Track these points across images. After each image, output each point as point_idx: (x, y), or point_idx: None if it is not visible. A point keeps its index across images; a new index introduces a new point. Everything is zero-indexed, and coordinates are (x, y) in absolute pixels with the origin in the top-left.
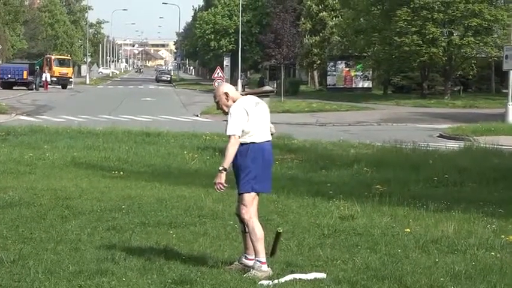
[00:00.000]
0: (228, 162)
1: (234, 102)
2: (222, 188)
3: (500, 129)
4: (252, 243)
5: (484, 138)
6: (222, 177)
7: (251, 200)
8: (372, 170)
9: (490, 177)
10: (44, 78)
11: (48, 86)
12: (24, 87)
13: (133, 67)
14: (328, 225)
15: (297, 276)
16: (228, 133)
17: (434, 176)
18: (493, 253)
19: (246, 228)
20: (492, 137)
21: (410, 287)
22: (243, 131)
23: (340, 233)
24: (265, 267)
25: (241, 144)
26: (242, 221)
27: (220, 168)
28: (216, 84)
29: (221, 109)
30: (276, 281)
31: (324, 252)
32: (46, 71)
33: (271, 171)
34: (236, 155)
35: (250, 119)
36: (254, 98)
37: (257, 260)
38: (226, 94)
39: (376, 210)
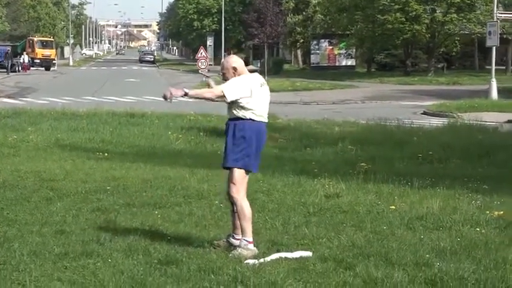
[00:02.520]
0: (195, 94)
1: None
2: (169, 96)
3: (484, 106)
4: (240, 222)
5: (467, 115)
6: (179, 93)
7: (241, 178)
8: (357, 148)
9: (474, 153)
10: (22, 60)
11: (29, 68)
12: (5, 70)
13: (116, 48)
14: (313, 204)
15: (283, 254)
16: (221, 86)
17: (418, 153)
18: (478, 229)
19: (235, 207)
20: (476, 113)
21: (396, 263)
22: (243, 108)
23: (325, 211)
24: (251, 246)
25: (240, 119)
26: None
27: (186, 90)
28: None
29: (225, 81)
30: (261, 260)
31: (310, 230)
32: (24, 53)
33: (260, 152)
34: (233, 130)
35: (254, 96)
36: (260, 77)
37: (244, 239)
38: (234, 68)
39: (361, 187)
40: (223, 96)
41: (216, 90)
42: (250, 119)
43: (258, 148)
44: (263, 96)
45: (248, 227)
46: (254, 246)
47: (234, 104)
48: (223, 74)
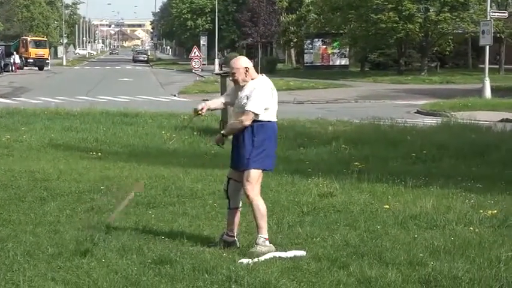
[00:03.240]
0: (231, 132)
1: (252, 79)
2: (219, 142)
3: (477, 105)
4: (256, 220)
5: (461, 114)
6: (220, 136)
7: (257, 177)
8: (350, 147)
9: (467, 152)
10: (12, 60)
11: (21, 68)
12: None
13: (109, 47)
14: (307, 203)
15: (277, 254)
16: (249, 108)
17: (412, 152)
18: (471, 228)
19: (231, 204)
20: (469, 112)
21: (389, 263)
22: (264, 109)
23: (319, 211)
24: (268, 243)
25: (257, 121)
26: (228, 198)
27: (223, 132)
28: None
29: (234, 81)
30: (256, 259)
31: (304, 229)
32: (15, 53)
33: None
34: (251, 133)
35: (272, 98)
36: (269, 80)
37: (261, 236)
38: (246, 69)
39: (355, 187)
40: (255, 115)
41: (246, 116)
42: (269, 121)
43: (275, 146)
44: (275, 97)
45: (264, 224)
46: (271, 243)
47: None
48: (233, 74)
